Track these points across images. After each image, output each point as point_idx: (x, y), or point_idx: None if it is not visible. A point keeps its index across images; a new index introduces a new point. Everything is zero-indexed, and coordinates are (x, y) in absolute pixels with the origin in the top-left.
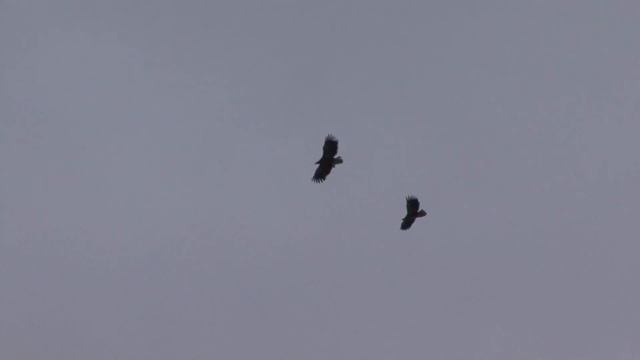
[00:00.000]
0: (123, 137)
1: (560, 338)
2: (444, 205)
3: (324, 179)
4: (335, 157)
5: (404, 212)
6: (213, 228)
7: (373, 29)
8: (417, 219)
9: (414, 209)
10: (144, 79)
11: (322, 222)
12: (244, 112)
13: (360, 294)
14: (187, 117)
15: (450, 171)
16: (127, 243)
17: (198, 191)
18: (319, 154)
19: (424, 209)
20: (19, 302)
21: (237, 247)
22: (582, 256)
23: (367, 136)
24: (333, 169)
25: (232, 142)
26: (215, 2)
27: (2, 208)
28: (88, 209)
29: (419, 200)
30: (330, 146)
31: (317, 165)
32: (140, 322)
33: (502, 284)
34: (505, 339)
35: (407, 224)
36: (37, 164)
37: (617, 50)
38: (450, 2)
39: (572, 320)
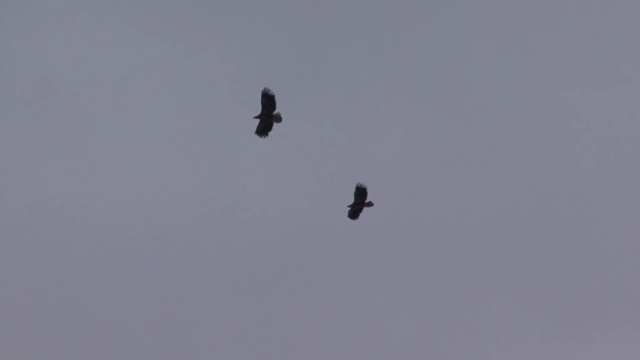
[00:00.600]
0: (128, 113)
1: (557, 320)
2: (445, 184)
3: (267, 135)
4: (275, 112)
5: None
6: (217, 203)
7: (375, 10)
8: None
9: (361, 198)
10: (151, 54)
11: (324, 199)
12: (247, 88)
13: (361, 273)
14: (192, 92)
15: (449, 153)
16: (131, 218)
17: (202, 167)
18: (322, 134)
19: (372, 200)
20: (23, 277)
21: (241, 223)
22: (578, 238)
23: (369, 115)
24: (275, 124)
25: (238, 118)
26: None
27: (9, 182)
28: (93, 183)
29: (367, 190)
30: (268, 100)
31: (257, 120)
32: (143, 298)
33: (499, 263)
34: (500, 316)
35: (354, 213)
36: (42, 139)
37: (620, 39)
38: None
39: (570, 304)
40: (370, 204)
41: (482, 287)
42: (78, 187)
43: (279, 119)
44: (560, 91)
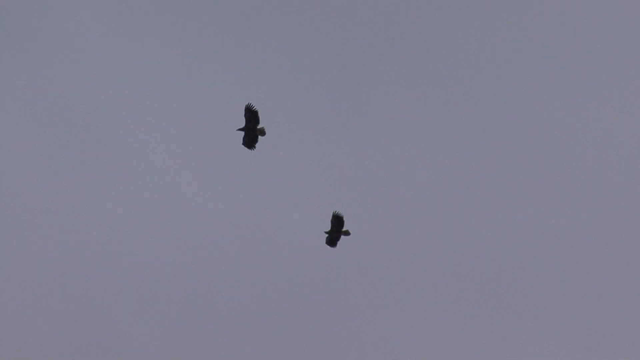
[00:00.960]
0: (163, 138)
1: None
2: (483, 207)
3: (254, 147)
4: (259, 127)
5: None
6: (250, 229)
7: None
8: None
9: (338, 227)
10: (182, 78)
11: (358, 222)
12: (280, 112)
13: (392, 292)
14: (226, 116)
15: (483, 176)
16: (162, 245)
17: (235, 192)
18: (361, 157)
19: (349, 229)
20: (57, 298)
21: (272, 248)
22: (612, 260)
23: (402, 138)
24: (261, 137)
25: (271, 142)
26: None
27: (48, 209)
28: (126, 209)
29: (344, 219)
30: (252, 115)
31: (242, 132)
32: (175, 322)
33: (534, 288)
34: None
35: (331, 240)
36: (75, 165)
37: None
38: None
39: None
40: (347, 233)
41: (515, 312)
42: (109, 211)
43: (262, 132)
44: (594, 114)
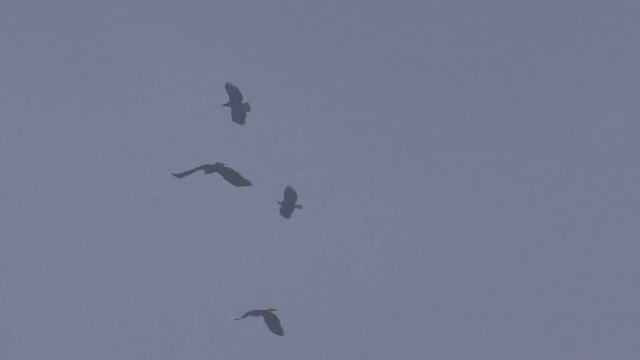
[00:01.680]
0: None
1: None
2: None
3: (244, 122)
4: (244, 102)
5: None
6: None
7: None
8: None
9: (291, 201)
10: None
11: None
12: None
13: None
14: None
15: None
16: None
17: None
18: (416, 210)
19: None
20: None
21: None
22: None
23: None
24: (248, 113)
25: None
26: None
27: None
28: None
29: (296, 193)
30: (234, 91)
31: (229, 108)
32: None
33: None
34: None
35: (286, 211)
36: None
37: None
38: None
39: None
40: (300, 206)
41: None
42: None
43: (248, 107)
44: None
